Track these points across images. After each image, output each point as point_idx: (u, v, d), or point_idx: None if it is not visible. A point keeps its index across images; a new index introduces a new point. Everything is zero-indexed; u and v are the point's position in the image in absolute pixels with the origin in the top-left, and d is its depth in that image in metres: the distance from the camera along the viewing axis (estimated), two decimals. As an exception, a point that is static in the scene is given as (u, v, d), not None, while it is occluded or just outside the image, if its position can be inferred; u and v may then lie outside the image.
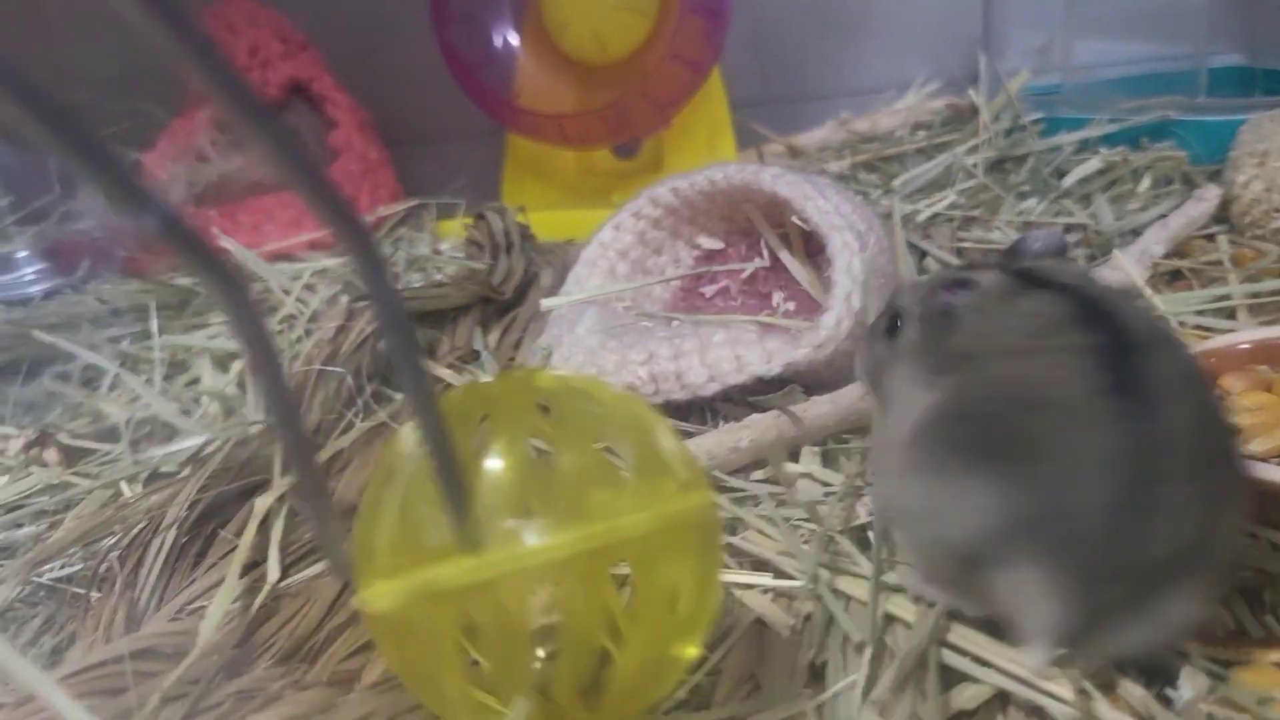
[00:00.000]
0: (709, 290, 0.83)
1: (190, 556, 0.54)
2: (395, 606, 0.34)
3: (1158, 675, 0.42)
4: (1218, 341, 0.59)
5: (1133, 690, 0.40)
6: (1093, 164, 1.01)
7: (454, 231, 1.15)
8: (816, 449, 0.62)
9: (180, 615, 0.50)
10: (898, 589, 0.47)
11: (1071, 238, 0.89)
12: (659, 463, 0.37)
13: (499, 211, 0.98)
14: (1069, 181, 1.00)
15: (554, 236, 1.03)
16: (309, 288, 0.98)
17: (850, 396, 0.62)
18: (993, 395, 0.41)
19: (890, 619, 0.46)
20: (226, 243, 1.10)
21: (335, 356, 0.72)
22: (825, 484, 0.58)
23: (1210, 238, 0.86)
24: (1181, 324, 0.71)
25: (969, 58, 1.30)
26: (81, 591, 0.54)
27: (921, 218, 0.96)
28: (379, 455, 0.44)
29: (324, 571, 0.54)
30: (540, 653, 0.40)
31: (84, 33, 1.48)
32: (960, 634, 0.44)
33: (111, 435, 0.73)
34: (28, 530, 0.62)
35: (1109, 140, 1.06)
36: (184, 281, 1.08)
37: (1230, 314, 0.72)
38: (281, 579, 0.52)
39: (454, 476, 0.34)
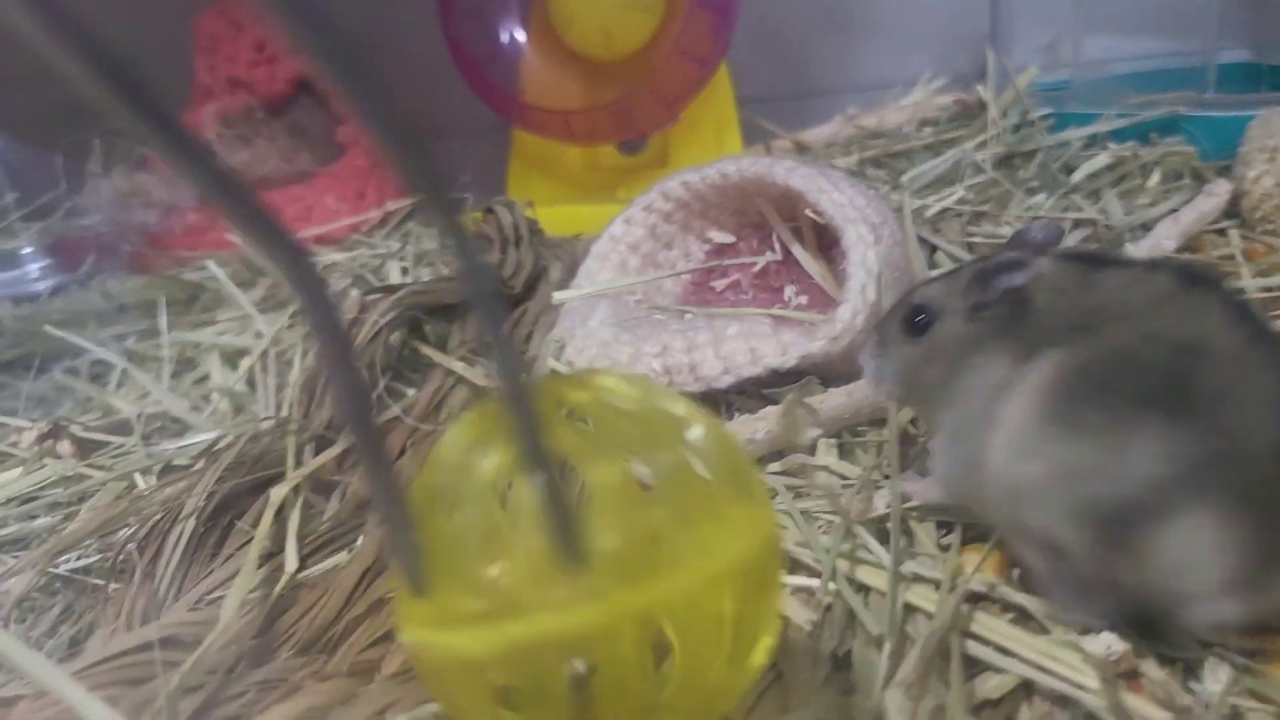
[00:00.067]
0: (720, 284, 0.83)
1: (208, 547, 0.54)
2: (433, 657, 0.32)
3: (1183, 666, 0.42)
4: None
5: (1158, 680, 0.40)
6: (1101, 159, 1.01)
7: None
8: (833, 441, 0.61)
9: (200, 605, 0.50)
10: (919, 579, 0.47)
11: (1081, 233, 0.89)
12: (717, 489, 0.34)
13: (507, 206, 0.97)
14: (1078, 177, 0.99)
15: (560, 232, 1.03)
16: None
17: (865, 389, 0.62)
18: (1139, 349, 0.41)
19: (911, 609, 0.45)
20: (235, 236, 1.10)
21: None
22: (843, 476, 0.58)
23: (1221, 232, 0.85)
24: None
25: (976, 54, 1.30)
26: (98, 582, 0.54)
27: (930, 213, 0.96)
28: (424, 459, 0.41)
29: (341, 562, 0.54)
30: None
31: (90, 26, 1.48)
32: (983, 623, 0.44)
33: (123, 429, 0.73)
34: (43, 521, 0.62)
35: (1117, 136, 1.06)
36: (192, 277, 1.08)
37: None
38: (299, 570, 0.52)
39: (554, 485, 0.31)
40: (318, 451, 0.64)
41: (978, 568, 0.47)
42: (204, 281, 1.06)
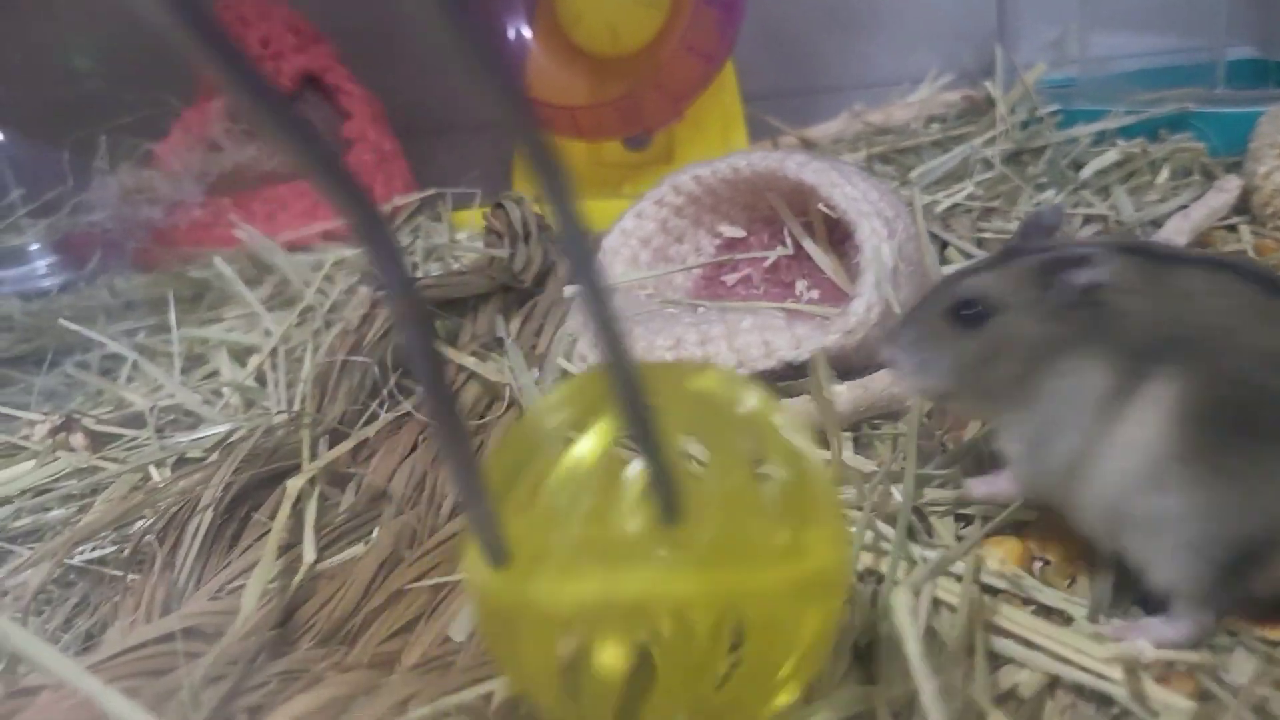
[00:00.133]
0: (731, 279, 0.83)
1: (226, 538, 0.54)
2: (502, 606, 0.33)
3: (1212, 657, 0.41)
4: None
5: (1184, 671, 0.40)
6: (1110, 155, 1.01)
7: (470, 221, 1.15)
8: (849, 435, 0.61)
9: (219, 595, 0.49)
10: (944, 573, 0.47)
11: (1092, 228, 0.89)
12: (807, 503, 0.34)
13: (517, 201, 0.97)
14: (1087, 173, 0.99)
15: (564, 227, 1.03)
16: (328, 278, 0.97)
17: (882, 382, 0.62)
18: (1266, 376, 0.41)
19: (935, 602, 0.45)
20: (242, 231, 1.10)
21: (359, 346, 0.72)
22: (859, 470, 0.58)
23: (1232, 228, 0.85)
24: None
25: (982, 51, 1.30)
26: (116, 573, 0.54)
27: (940, 209, 0.96)
28: (508, 429, 0.41)
29: (358, 554, 0.53)
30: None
31: (95, 22, 1.48)
32: (1007, 616, 0.44)
33: (134, 422, 0.73)
34: (57, 514, 0.62)
35: (1126, 132, 1.06)
36: (198, 275, 1.08)
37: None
38: (317, 561, 0.52)
39: (654, 451, 0.31)
40: (331, 445, 0.64)
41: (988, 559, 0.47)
42: (210, 279, 1.06)
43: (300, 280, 0.99)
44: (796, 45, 1.42)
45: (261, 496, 0.58)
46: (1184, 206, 0.86)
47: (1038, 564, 0.49)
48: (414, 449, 0.65)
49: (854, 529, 0.50)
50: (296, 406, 0.69)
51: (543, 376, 0.71)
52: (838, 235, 0.79)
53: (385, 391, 0.71)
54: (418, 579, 0.51)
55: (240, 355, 0.85)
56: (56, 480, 0.66)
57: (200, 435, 0.69)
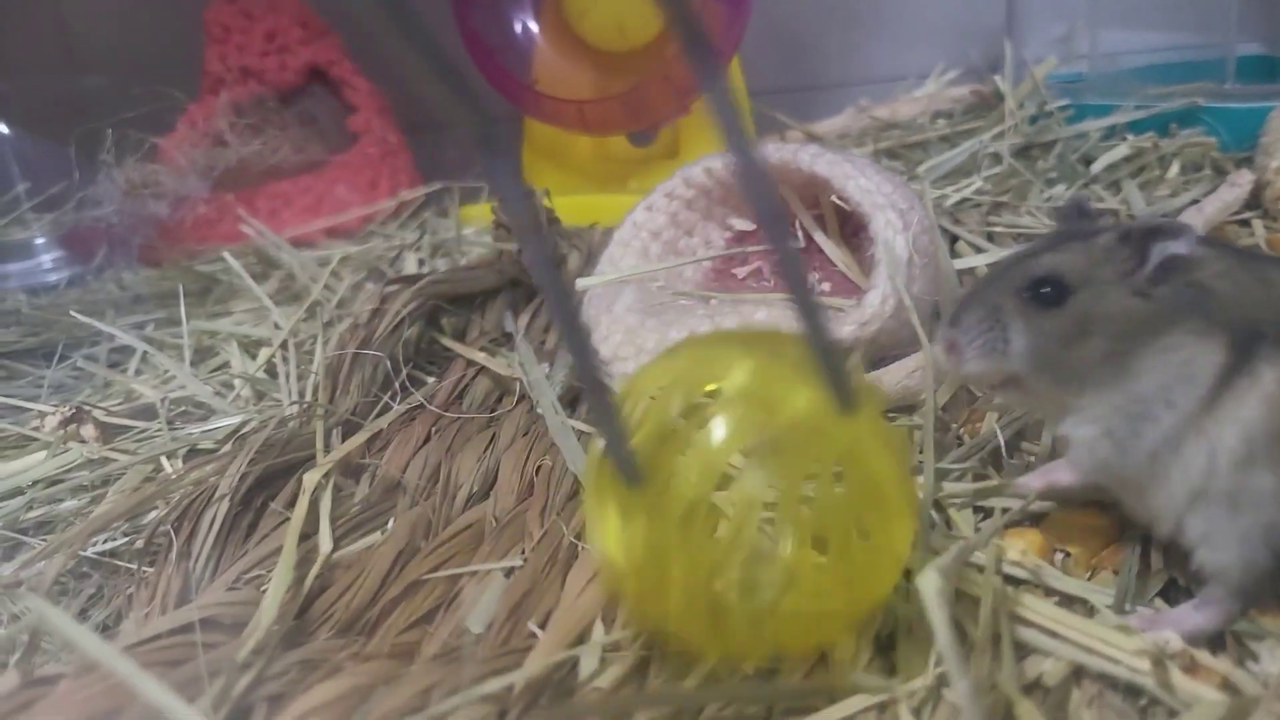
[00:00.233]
0: (741, 272, 0.82)
1: (242, 529, 0.54)
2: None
3: (1238, 648, 0.41)
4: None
5: (1213, 663, 0.40)
6: (1120, 150, 1.00)
7: (478, 216, 1.15)
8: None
9: (237, 585, 0.49)
10: (968, 564, 0.46)
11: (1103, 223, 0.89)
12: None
13: (525, 194, 0.97)
14: (1097, 168, 0.99)
15: (571, 221, 1.02)
16: (335, 274, 0.97)
17: (898, 374, 0.62)
18: None
19: (957, 594, 0.45)
20: (248, 227, 1.10)
21: (370, 340, 0.72)
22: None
23: (1244, 223, 0.85)
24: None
25: (989, 46, 1.30)
26: (130, 566, 0.53)
27: (949, 203, 0.96)
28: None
29: (374, 544, 0.53)
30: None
31: (100, 17, 1.48)
32: (1030, 606, 0.43)
33: (144, 414, 0.73)
34: (69, 505, 0.62)
35: (1136, 127, 1.06)
36: (205, 269, 1.08)
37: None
38: (333, 551, 0.52)
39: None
40: (345, 436, 0.64)
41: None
42: (217, 274, 1.06)
43: (307, 275, 0.99)
44: (802, 41, 1.42)
45: (276, 488, 0.58)
46: (1195, 201, 0.86)
47: (1058, 555, 0.49)
48: (427, 440, 0.65)
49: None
50: (308, 399, 0.69)
51: (553, 371, 0.71)
52: (848, 229, 0.79)
53: (397, 384, 0.71)
54: (434, 569, 0.51)
55: (250, 348, 0.85)
56: (68, 471, 0.65)
57: (212, 427, 0.69)
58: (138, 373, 0.83)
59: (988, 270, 0.54)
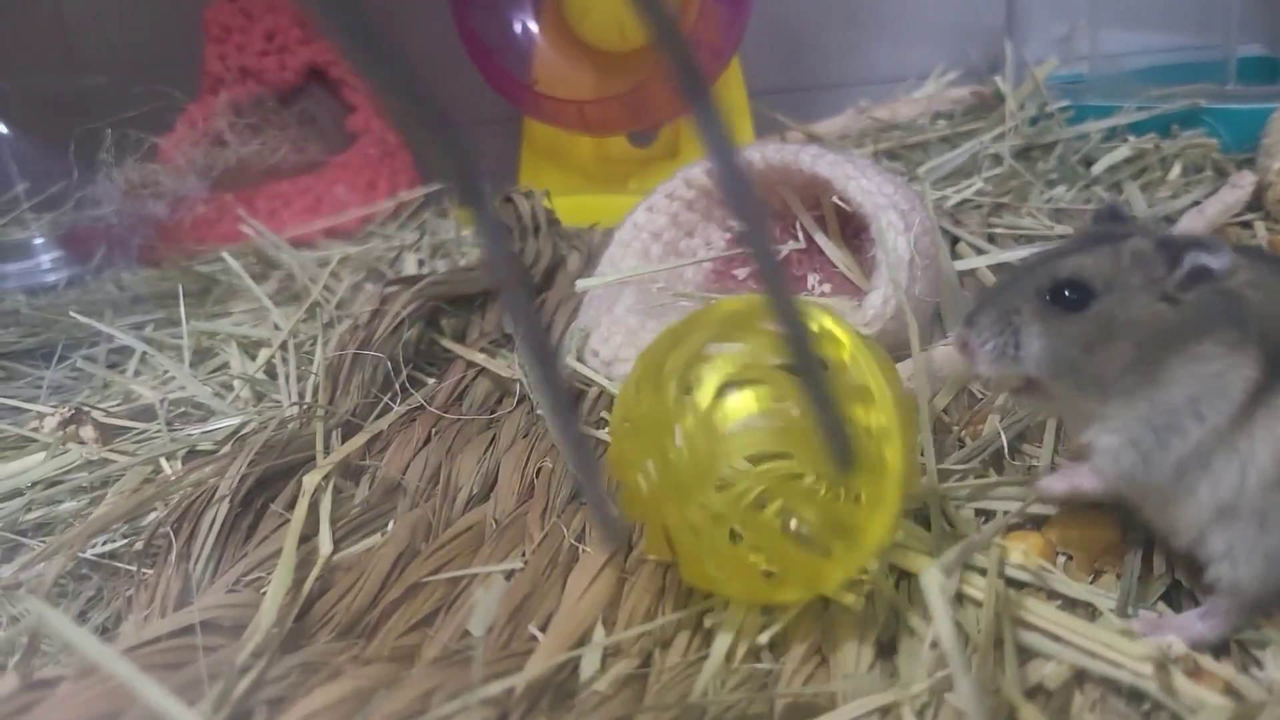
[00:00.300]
0: (741, 273, 0.82)
1: (242, 530, 0.54)
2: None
3: (1242, 653, 0.41)
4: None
5: (1216, 669, 0.40)
6: (1122, 151, 1.00)
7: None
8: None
9: (237, 587, 0.49)
10: (966, 566, 0.46)
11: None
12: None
13: (526, 195, 0.97)
14: (1098, 169, 0.99)
15: (571, 222, 1.02)
16: (334, 275, 0.97)
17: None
18: None
19: (959, 598, 0.45)
20: (248, 227, 1.10)
21: (369, 341, 0.72)
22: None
23: (1246, 224, 0.85)
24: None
25: (989, 47, 1.30)
26: (129, 568, 0.53)
27: (950, 204, 0.96)
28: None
29: (374, 545, 0.53)
30: None
31: (100, 17, 1.47)
32: (1032, 610, 0.43)
33: (144, 415, 0.72)
34: (68, 506, 0.62)
35: (1137, 128, 1.06)
36: (204, 269, 1.08)
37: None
38: (333, 553, 0.52)
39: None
40: (345, 438, 0.64)
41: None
42: (216, 274, 1.06)
43: (306, 276, 0.99)
44: (802, 41, 1.42)
45: (276, 489, 0.58)
46: (1197, 202, 0.86)
47: (1060, 559, 0.49)
48: (427, 441, 0.64)
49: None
50: (308, 400, 0.69)
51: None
52: (849, 231, 0.79)
53: (397, 385, 0.70)
54: (435, 571, 0.51)
55: (249, 349, 0.85)
56: (67, 473, 0.65)
57: (211, 428, 0.69)
58: (137, 373, 0.83)
59: (1014, 266, 0.53)
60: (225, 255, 1.01)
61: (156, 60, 1.26)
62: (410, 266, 1.01)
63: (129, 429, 0.71)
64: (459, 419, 0.67)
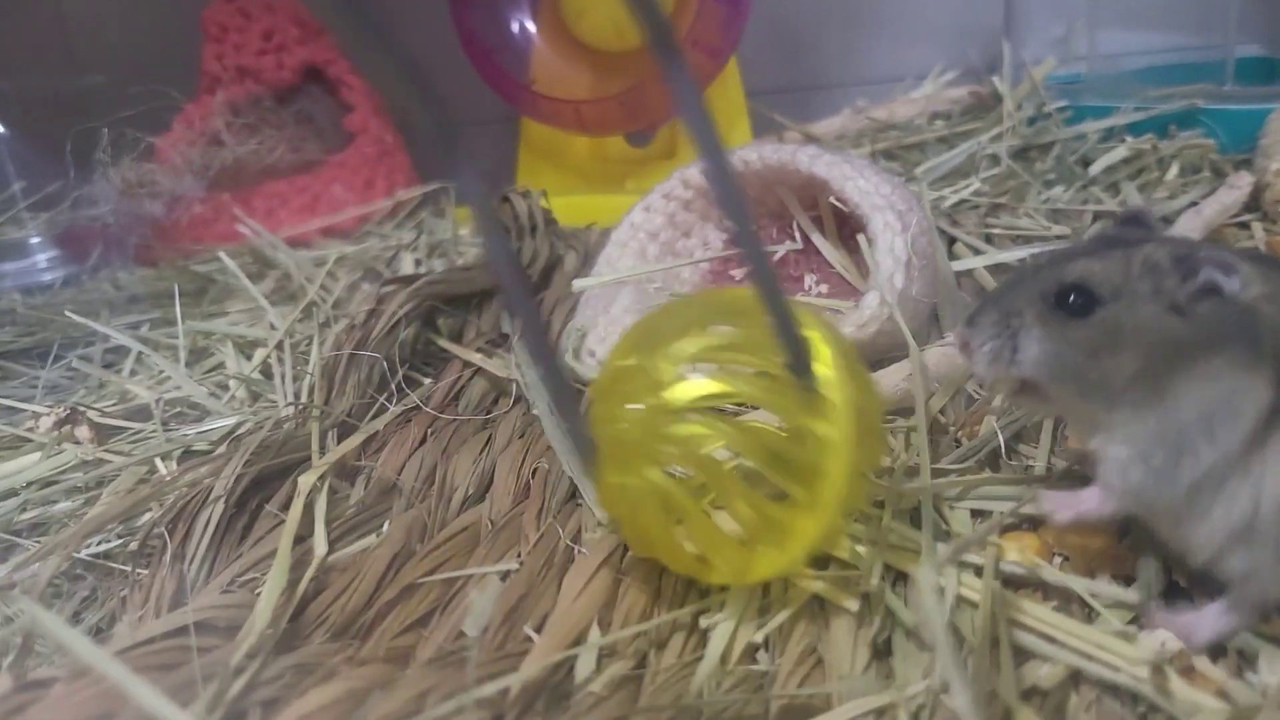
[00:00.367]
0: (738, 273, 0.82)
1: (237, 531, 0.54)
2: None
3: (1237, 658, 0.41)
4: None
5: (1211, 672, 0.40)
6: (1119, 152, 1.00)
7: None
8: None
9: (231, 588, 0.49)
10: (961, 565, 0.46)
11: (1101, 225, 0.89)
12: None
13: (523, 195, 0.97)
14: (1095, 169, 0.99)
15: (568, 222, 1.02)
16: (331, 274, 0.97)
17: (894, 377, 0.61)
18: None
19: (956, 598, 0.45)
20: (244, 226, 1.10)
21: (365, 341, 0.72)
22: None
23: (1244, 225, 0.85)
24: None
25: (987, 47, 1.30)
26: (124, 568, 0.53)
27: (947, 204, 0.96)
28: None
29: (369, 546, 0.53)
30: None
31: (99, 16, 1.47)
32: (1028, 611, 0.43)
33: (139, 415, 0.72)
34: (63, 506, 0.61)
35: (1135, 129, 1.06)
36: (200, 269, 1.07)
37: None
38: (328, 554, 0.52)
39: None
40: (340, 438, 0.64)
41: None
42: (213, 274, 1.06)
43: (303, 276, 0.98)
44: (800, 41, 1.42)
45: (271, 489, 0.57)
46: (1194, 203, 0.86)
47: (1056, 560, 0.49)
48: (423, 441, 0.64)
49: (865, 526, 0.49)
50: (304, 400, 0.69)
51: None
52: (846, 231, 0.79)
53: (393, 385, 0.70)
54: (430, 573, 0.50)
55: (245, 349, 0.85)
56: (62, 472, 0.65)
57: (207, 428, 0.69)
58: (132, 373, 0.83)
59: (1022, 266, 0.52)
60: (222, 255, 1.00)
61: (155, 60, 1.25)
62: (407, 266, 1.01)
63: (124, 429, 0.71)
64: (455, 419, 0.67)
